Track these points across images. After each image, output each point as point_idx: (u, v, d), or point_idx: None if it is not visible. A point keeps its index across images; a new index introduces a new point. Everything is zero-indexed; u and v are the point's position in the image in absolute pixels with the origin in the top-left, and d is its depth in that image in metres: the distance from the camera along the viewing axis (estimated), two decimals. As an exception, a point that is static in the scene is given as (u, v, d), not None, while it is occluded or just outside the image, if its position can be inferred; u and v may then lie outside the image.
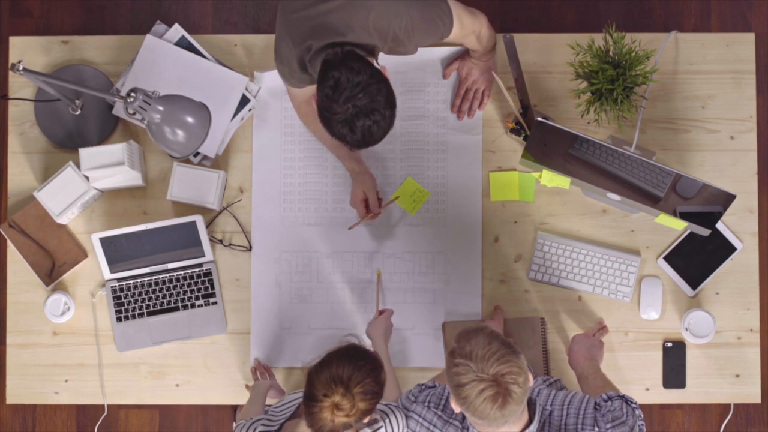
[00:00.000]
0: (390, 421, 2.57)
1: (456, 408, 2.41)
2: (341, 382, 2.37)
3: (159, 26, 3.14)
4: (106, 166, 2.97)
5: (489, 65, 3.07)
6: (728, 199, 2.76)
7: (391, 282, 3.09)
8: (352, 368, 2.39)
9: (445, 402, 2.59)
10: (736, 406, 3.61)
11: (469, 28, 2.82)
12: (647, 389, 3.07)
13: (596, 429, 2.50)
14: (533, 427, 2.46)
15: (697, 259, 3.06)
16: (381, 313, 2.99)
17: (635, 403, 2.60)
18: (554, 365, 3.06)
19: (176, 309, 3.09)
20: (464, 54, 3.10)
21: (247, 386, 3.06)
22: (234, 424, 3.58)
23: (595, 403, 2.56)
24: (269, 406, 2.80)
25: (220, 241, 3.11)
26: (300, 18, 2.64)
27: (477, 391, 2.31)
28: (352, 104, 2.53)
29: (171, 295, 3.08)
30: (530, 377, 2.37)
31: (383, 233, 3.10)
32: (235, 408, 3.60)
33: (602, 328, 3.01)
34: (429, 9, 2.67)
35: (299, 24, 2.65)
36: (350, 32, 2.62)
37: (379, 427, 2.55)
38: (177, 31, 3.13)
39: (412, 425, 2.60)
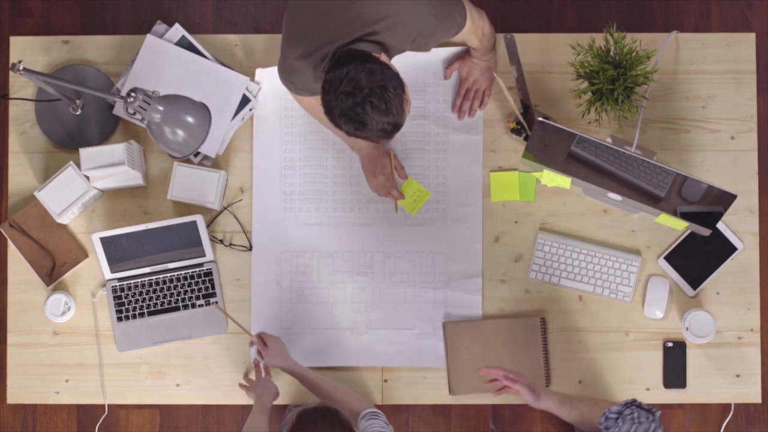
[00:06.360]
0: None
1: None
2: None
3: (159, 26, 3.14)
4: (107, 165, 2.97)
5: (489, 65, 3.07)
6: (729, 199, 2.76)
7: (391, 282, 3.09)
8: None
9: None
10: (737, 406, 3.60)
11: (477, 23, 2.83)
12: (648, 389, 3.07)
13: None
14: None
15: (698, 259, 3.06)
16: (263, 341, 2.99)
17: (646, 406, 2.67)
18: (554, 365, 3.06)
19: (177, 309, 3.09)
20: (465, 54, 3.10)
21: (241, 384, 3.05)
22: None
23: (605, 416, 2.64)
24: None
25: (221, 241, 3.11)
26: (317, 22, 2.63)
27: None
28: (344, 93, 2.50)
29: (171, 294, 3.08)
30: None
31: (383, 233, 3.10)
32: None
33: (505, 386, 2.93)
34: (447, 3, 2.68)
35: (315, 28, 2.63)
36: (370, 28, 2.59)
37: None
38: (177, 30, 3.13)
39: None
